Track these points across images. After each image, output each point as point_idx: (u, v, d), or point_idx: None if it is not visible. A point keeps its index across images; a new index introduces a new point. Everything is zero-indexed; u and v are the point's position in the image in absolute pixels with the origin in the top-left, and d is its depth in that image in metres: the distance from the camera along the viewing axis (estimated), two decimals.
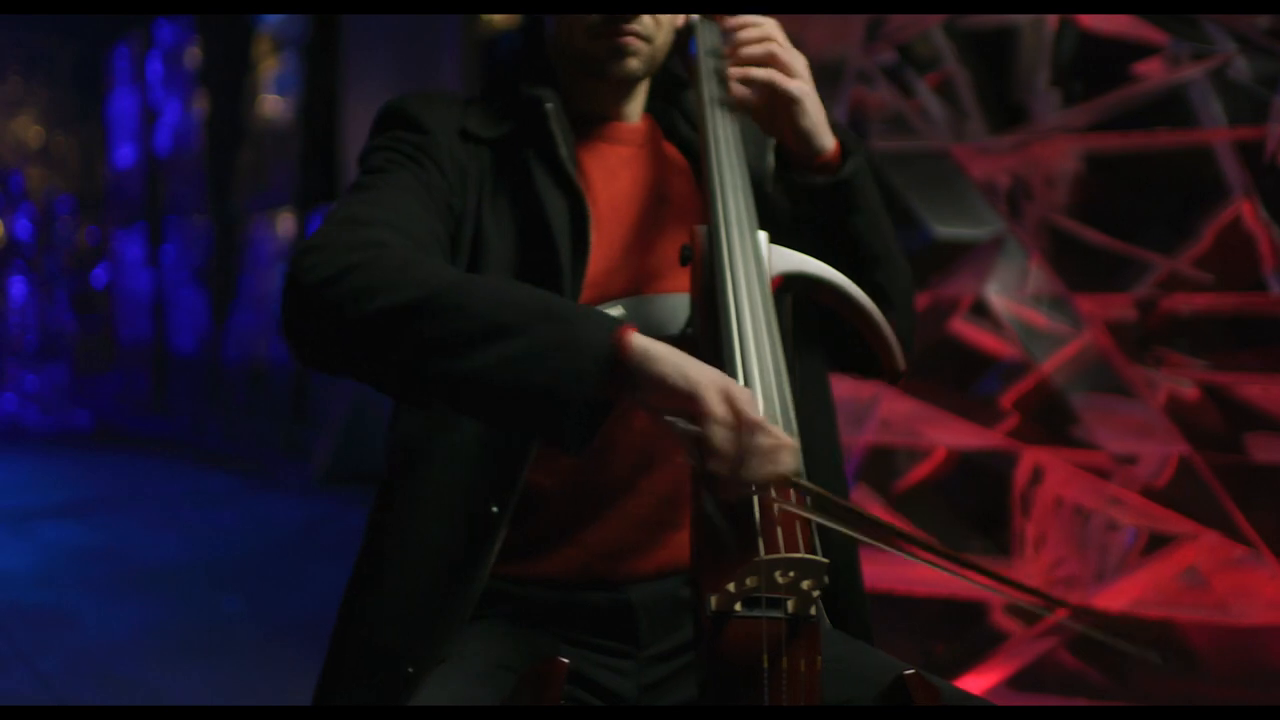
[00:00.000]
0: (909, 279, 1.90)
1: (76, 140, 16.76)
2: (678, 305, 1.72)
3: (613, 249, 1.81)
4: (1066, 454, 3.63)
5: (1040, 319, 3.68)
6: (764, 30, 1.82)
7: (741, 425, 1.37)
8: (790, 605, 1.36)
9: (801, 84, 1.78)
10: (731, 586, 1.35)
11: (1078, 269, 3.65)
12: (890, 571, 3.79)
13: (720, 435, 1.37)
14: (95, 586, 6.11)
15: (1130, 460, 3.59)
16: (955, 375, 3.82)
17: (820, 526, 1.44)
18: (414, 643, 1.69)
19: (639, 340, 1.43)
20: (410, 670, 1.67)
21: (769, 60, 1.79)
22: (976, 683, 3.70)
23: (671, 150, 1.96)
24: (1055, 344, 3.68)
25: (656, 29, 1.84)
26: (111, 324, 15.60)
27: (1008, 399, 3.74)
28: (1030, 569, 3.69)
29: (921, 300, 3.67)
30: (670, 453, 1.75)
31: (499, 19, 8.93)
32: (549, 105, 1.83)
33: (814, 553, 1.37)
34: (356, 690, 1.73)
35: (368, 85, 9.70)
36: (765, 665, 1.36)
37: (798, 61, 1.80)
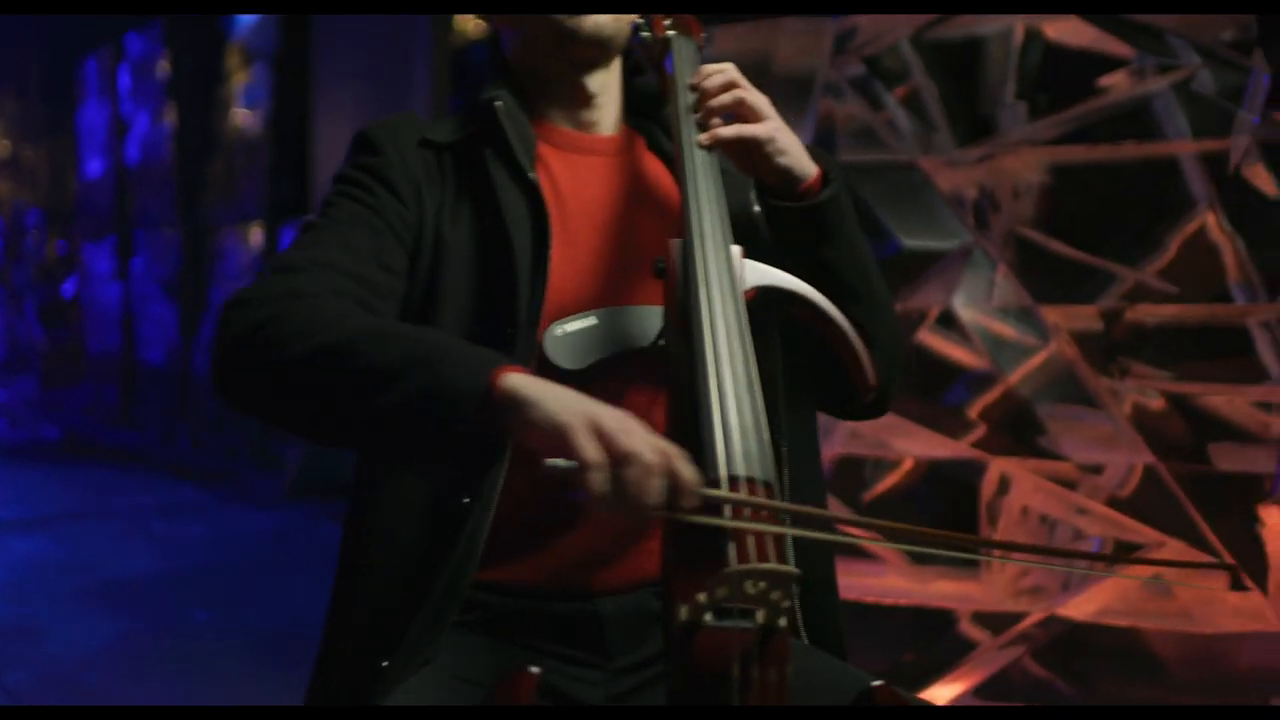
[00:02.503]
0: (891, 319, 1.90)
1: (45, 153, 16.69)
2: (652, 317, 1.73)
3: (582, 258, 1.81)
4: (1033, 464, 3.66)
5: (1007, 330, 3.71)
6: (727, 76, 1.83)
7: (614, 460, 1.37)
8: (760, 616, 1.36)
9: (770, 124, 1.79)
10: (702, 597, 1.34)
11: (1044, 280, 3.67)
12: (860, 582, 3.81)
13: (594, 478, 1.37)
14: (63, 600, 6.08)
15: (1096, 470, 3.62)
16: (923, 386, 3.84)
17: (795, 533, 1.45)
18: (387, 639, 1.69)
19: (511, 382, 1.44)
20: (384, 664, 1.67)
21: (736, 107, 1.81)
22: (945, 692, 3.71)
23: (654, 163, 1.97)
24: (1022, 355, 3.70)
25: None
26: (80, 336, 15.52)
27: (975, 409, 3.76)
28: (996, 578, 3.71)
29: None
30: None
31: (471, 29, 8.93)
32: (498, 104, 1.85)
33: (785, 563, 1.37)
34: (337, 688, 1.73)
35: (338, 97, 9.69)
36: (736, 675, 1.36)
37: (763, 101, 1.82)
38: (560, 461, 1.37)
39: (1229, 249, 3.52)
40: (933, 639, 3.79)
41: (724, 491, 1.40)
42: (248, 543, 7.79)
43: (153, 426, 12.98)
